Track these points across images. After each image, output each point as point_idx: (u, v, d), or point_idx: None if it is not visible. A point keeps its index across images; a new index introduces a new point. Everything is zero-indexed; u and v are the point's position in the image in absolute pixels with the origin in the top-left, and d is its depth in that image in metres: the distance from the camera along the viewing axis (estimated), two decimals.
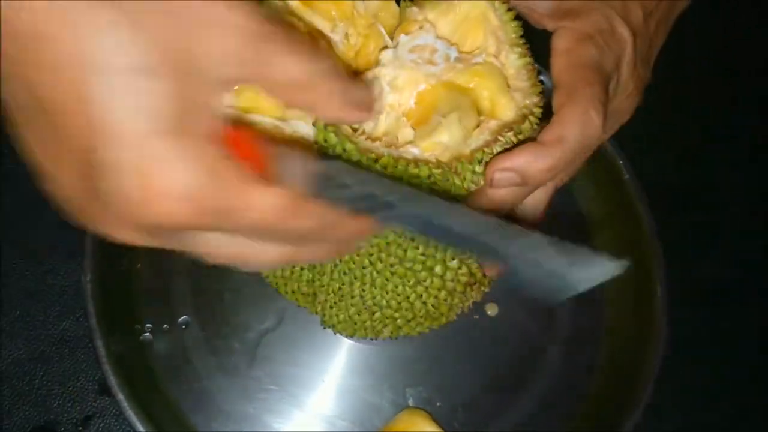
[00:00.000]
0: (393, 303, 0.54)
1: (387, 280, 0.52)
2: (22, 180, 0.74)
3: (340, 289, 0.54)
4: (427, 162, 0.45)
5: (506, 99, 0.48)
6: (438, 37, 0.51)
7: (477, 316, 0.69)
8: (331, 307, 0.56)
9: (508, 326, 0.69)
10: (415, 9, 0.52)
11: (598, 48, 0.49)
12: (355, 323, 0.57)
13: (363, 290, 0.54)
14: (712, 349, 0.74)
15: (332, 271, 0.54)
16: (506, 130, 0.47)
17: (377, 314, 0.55)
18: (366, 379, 0.67)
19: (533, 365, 0.68)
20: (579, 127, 0.47)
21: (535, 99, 0.50)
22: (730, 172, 0.83)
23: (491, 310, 0.69)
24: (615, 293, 0.70)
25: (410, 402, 0.66)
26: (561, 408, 0.67)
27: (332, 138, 0.44)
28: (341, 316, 0.57)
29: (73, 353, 0.68)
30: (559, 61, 0.50)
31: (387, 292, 0.53)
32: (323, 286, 0.55)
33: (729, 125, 0.85)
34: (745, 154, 0.84)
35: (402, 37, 0.50)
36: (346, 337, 0.67)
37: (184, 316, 0.67)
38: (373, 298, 0.54)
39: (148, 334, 0.66)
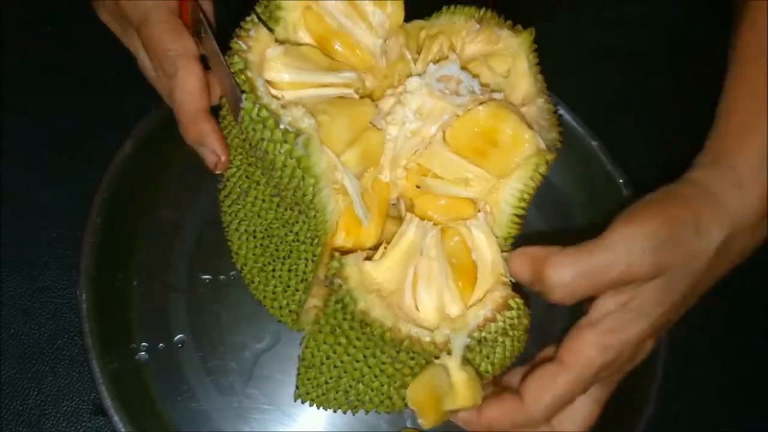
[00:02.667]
0: (375, 400, 0.55)
1: (375, 377, 0.53)
2: (17, 197, 0.74)
3: (326, 383, 0.55)
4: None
5: (528, 132, 0.49)
6: (462, 68, 0.52)
7: None
8: (312, 390, 0.57)
9: None
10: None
11: (617, 356, 0.51)
12: (330, 403, 0.57)
13: (350, 385, 0.54)
14: (714, 369, 0.74)
15: (321, 363, 0.55)
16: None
17: (357, 407, 0.56)
18: None
19: None
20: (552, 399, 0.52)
21: (554, 134, 0.53)
22: None
23: None
24: None
25: (408, 422, 0.65)
26: None
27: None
28: (321, 398, 0.57)
29: (68, 372, 0.68)
30: (577, 346, 0.51)
31: (372, 390, 0.54)
32: (309, 378, 0.56)
33: None
34: None
35: (431, 66, 0.51)
36: None
37: (180, 335, 0.66)
38: (357, 394, 0.55)
39: (143, 353, 0.65)
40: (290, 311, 0.58)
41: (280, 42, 0.50)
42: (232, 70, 0.49)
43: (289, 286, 0.56)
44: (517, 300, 0.51)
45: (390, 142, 0.52)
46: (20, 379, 0.67)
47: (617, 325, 0.50)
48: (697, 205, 0.50)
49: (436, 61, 0.52)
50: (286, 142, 0.46)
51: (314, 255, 0.53)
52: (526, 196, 0.53)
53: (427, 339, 0.49)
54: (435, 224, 0.52)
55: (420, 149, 0.53)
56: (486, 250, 0.52)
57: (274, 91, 0.49)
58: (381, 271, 0.50)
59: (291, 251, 0.54)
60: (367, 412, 0.56)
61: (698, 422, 0.72)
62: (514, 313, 0.51)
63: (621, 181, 0.70)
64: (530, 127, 0.51)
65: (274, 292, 0.58)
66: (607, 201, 0.70)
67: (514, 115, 0.51)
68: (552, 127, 0.54)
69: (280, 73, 0.49)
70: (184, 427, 0.64)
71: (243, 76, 0.48)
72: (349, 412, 0.57)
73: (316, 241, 0.51)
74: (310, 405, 0.58)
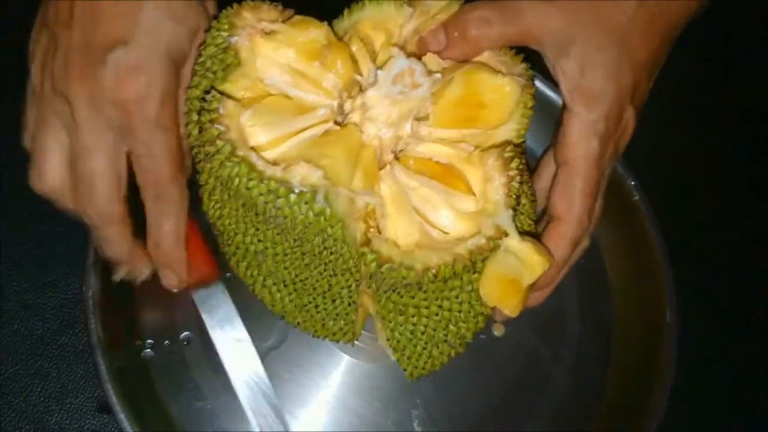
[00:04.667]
0: (471, 326, 0.55)
1: (459, 312, 0.54)
2: (21, 192, 0.73)
3: (424, 348, 0.56)
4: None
5: (507, 81, 0.50)
6: (408, 55, 0.51)
7: (484, 336, 0.68)
8: (416, 361, 0.58)
9: (516, 347, 0.69)
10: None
11: (602, 142, 0.53)
12: (439, 358, 0.58)
13: (444, 334, 0.55)
14: (722, 372, 0.74)
15: (409, 339, 0.56)
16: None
17: (462, 343, 0.56)
18: (371, 399, 0.66)
19: (540, 387, 0.68)
20: (570, 245, 0.54)
21: (521, 65, 0.53)
22: (743, 192, 0.83)
23: (498, 330, 0.69)
24: (624, 316, 0.70)
25: (416, 424, 0.65)
26: (569, 430, 0.67)
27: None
28: (428, 361, 0.57)
29: (72, 369, 0.67)
30: (564, 152, 0.53)
31: (463, 322, 0.54)
32: (408, 357, 0.57)
33: (741, 144, 0.85)
34: (757, 173, 0.84)
35: (380, 75, 0.50)
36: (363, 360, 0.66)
37: (186, 333, 0.66)
38: (455, 334, 0.55)
39: (149, 350, 0.65)
40: (345, 333, 0.59)
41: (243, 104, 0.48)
42: (222, 157, 0.46)
43: (338, 314, 0.57)
44: (509, 149, 0.50)
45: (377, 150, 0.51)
46: (24, 375, 0.67)
47: (592, 107, 0.52)
48: None
49: (381, 61, 0.51)
50: (305, 203, 0.45)
51: (356, 281, 0.52)
52: (522, 132, 0.53)
53: (483, 240, 0.48)
54: (393, 162, 0.51)
55: (404, 145, 0.52)
56: (437, 148, 0.51)
57: (268, 155, 0.47)
58: (396, 233, 0.49)
59: (330, 285, 0.53)
60: (471, 339, 0.57)
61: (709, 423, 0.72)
62: (516, 161, 0.50)
63: (632, 183, 0.69)
64: (504, 74, 0.51)
65: (323, 324, 0.58)
66: (616, 201, 0.70)
67: (484, 72, 0.50)
68: (513, 59, 0.53)
69: (259, 136, 0.47)
70: (189, 425, 0.63)
71: (235, 158, 0.45)
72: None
73: (354, 268, 0.51)
74: (428, 374, 0.58)
